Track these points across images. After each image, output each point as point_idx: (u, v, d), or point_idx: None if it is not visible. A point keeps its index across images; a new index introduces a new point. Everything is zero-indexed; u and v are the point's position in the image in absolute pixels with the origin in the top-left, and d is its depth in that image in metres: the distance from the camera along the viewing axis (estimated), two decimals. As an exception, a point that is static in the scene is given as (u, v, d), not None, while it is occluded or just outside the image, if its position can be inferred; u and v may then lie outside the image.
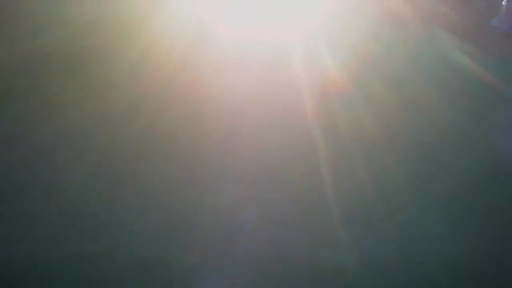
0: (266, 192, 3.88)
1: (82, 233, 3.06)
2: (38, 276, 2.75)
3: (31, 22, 6.98)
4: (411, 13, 11.13)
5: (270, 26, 10.12)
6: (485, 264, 3.28)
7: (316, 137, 5.30)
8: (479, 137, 5.75)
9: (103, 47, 6.57)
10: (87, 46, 6.53)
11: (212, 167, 4.27)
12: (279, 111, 5.87)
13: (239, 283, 2.89)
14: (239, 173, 4.09)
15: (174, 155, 4.40)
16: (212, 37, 8.34)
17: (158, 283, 2.81)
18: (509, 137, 5.99)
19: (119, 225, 3.21)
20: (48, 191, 3.45)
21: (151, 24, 8.01)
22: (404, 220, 3.73)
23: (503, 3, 14.11)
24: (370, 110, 5.83)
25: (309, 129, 5.40)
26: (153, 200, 3.65)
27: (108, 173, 3.83)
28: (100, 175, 3.72)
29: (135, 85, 5.65)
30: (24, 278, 2.72)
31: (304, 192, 3.92)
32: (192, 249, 3.07)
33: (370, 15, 10.48)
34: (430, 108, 6.32)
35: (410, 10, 11.27)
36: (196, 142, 4.69)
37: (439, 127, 5.82)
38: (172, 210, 3.52)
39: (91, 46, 6.54)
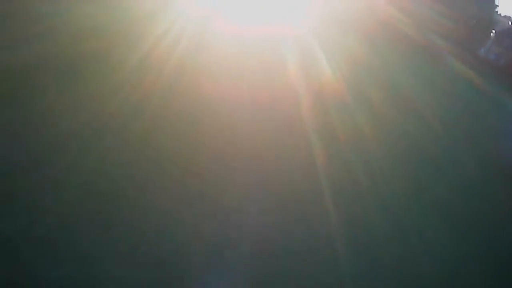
0: (262, 196, 3.85)
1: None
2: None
3: (33, 25, 6.84)
4: (404, 30, 11.23)
5: (266, 30, 10.12)
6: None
7: (312, 139, 5.26)
8: (470, 136, 5.83)
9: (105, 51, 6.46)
10: (88, 49, 6.43)
11: (210, 171, 4.15)
12: (275, 115, 5.78)
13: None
14: (236, 176, 4.08)
15: (174, 155, 4.33)
16: (210, 41, 8.29)
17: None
18: (496, 137, 6.12)
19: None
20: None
21: (151, 27, 7.96)
22: (402, 226, 3.77)
23: (492, 34, 14.30)
24: (364, 113, 5.86)
25: (304, 131, 5.35)
26: (149, 203, 3.62)
27: (107, 176, 3.73)
28: (100, 178, 3.64)
29: (137, 87, 5.53)
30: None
31: (298, 197, 3.92)
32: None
33: (367, 24, 10.52)
34: (424, 111, 6.39)
35: (403, 27, 11.36)
36: (193, 145, 4.52)
37: (434, 131, 5.87)
38: (169, 212, 3.52)
39: (92, 49, 6.45)
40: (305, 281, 2.92)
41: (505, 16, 18.46)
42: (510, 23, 18.10)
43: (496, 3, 17.10)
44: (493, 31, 16.65)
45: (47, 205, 3.08)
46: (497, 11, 17.52)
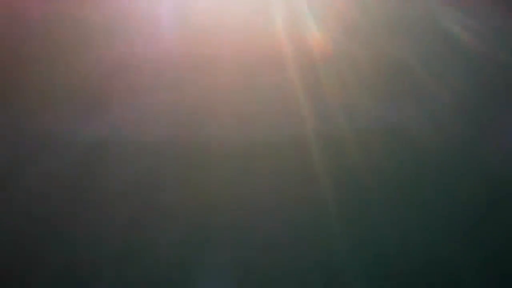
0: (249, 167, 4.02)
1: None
2: None
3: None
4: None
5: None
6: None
7: (300, 101, 5.38)
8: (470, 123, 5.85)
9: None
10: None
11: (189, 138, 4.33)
12: (261, 77, 5.94)
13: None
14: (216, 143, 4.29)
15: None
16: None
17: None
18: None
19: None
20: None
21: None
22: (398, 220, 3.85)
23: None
24: (354, 75, 5.84)
25: (293, 92, 5.47)
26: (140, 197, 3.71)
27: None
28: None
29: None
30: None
31: (286, 168, 4.11)
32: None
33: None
34: (417, 74, 6.31)
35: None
36: (174, 107, 4.90)
37: (426, 95, 5.84)
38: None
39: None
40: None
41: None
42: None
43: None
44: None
45: None
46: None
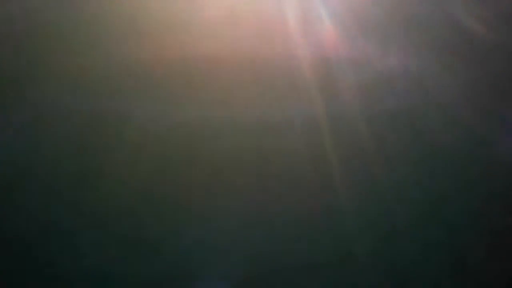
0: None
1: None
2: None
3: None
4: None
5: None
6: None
7: (312, 97, 5.31)
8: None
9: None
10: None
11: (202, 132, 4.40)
12: (274, 75, 5.84)
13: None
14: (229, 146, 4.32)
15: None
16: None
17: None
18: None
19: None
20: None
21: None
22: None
23: None
24: (368, 70, 5.79)
25: (304, 90, 5.39)
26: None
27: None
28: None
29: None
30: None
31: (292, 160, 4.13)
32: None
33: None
34: (429, 78, 6.27)
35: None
36: (186, 108, 4.85)
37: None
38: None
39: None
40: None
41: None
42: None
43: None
44: None
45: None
46: None
